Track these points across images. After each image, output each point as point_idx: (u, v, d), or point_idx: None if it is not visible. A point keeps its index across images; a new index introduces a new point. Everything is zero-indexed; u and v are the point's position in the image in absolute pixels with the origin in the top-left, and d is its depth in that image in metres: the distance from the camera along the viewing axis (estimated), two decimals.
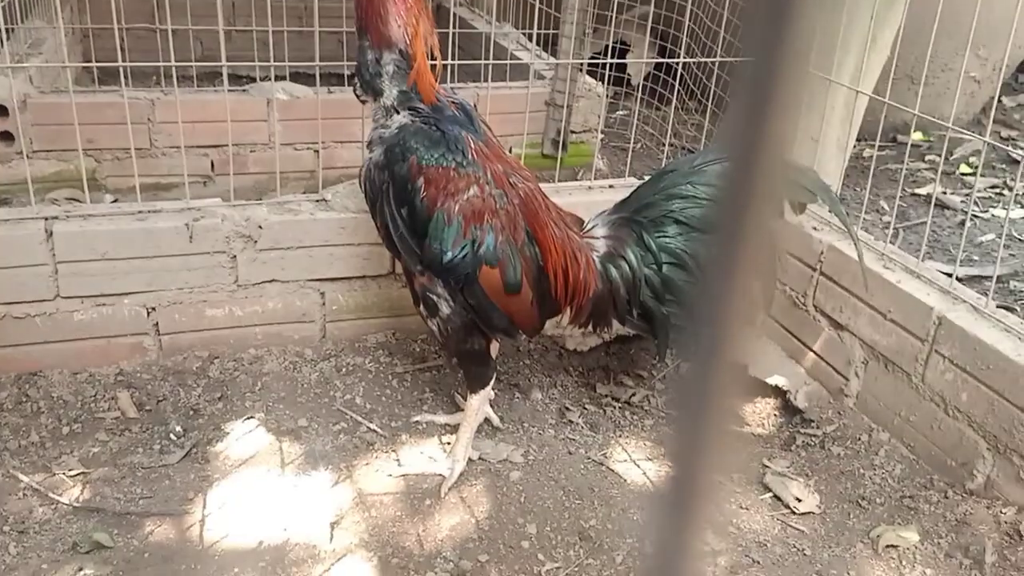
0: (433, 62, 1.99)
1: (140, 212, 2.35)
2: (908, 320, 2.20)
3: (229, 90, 3.05)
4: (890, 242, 2.43)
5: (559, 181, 2.87)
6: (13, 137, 2.99)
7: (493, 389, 2.22)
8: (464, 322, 2.04)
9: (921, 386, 2.17)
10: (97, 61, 3.61)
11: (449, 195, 1.93)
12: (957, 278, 2.26)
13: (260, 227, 2.39)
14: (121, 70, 2.49)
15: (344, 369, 2.46)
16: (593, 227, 2.21)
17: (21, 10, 3.21)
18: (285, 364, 2.45)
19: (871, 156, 3.63)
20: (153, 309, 2.37)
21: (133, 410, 2.22)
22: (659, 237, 2.14)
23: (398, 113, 1.96)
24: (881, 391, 2.29)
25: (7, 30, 2.98)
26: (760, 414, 2.44)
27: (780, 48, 0.43)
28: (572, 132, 3.58)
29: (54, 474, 2.01)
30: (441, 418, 2.30)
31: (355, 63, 1.98)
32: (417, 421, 2.29)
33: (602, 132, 3.78)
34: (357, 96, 2.01)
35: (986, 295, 2.18)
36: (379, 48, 1.92)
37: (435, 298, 2.02)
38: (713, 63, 3.27)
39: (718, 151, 2.23)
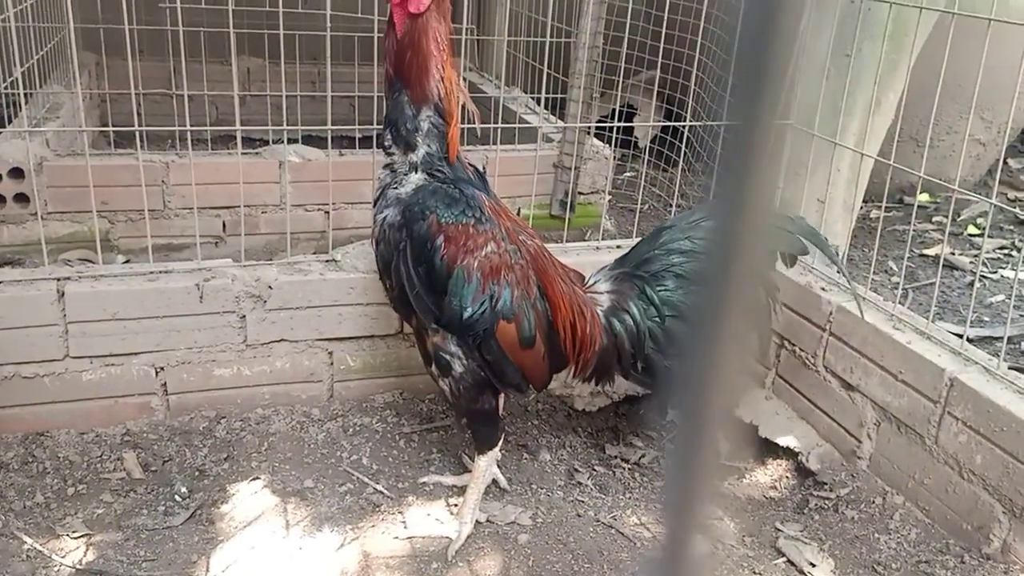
0: (471, 125, 2.02)
1: (152, 272, 2.37)
2: (920, 381, 2.18)
3: (242, 153, 3.10)
4: (899, 302, 2.43)
5: (567, 241, 2.89)
6: (28, 199, 3.03)
7: (501, 450, 2.20)
8: (476, 380, 2.04)
9: (935, 448, 2.15)
10: (114, 125, 3.68)
11: (468, 252, 1.94)
12: (968, 339, 2.25)
13: (270, 287, 2.40)
14: (137, 134, 2.54)
15: (351, 429, 2.44)
16: (595, 282, 2.23)
17: (40, 75, 3.29)
18: (292, 424, 2.44)
19: (878, 217, 3.64)
20: (162, 369, 2.37)
21: (139, 471, 2.21)
22: (661, 291, 2.16)
23: (416, 172, 1.98)
24: (894, 453, 2.26)
25: (26, 95, 3.04)
26: (772, 476, 2.41)
27: (757, 109, 0.45)
28: (580, 193, 3.62)
29: (58, 536, 1.99)
30: (448, 479, 2.28)
31: (388, 116, 1.98)
32: (424, 482, 2.26)
33: (610, 193, 3.82)
34: (385, 148, 2.01)
35: (997, 356, 2.17)
36: (418, 104, 1.94)
37: (448, 357, 2.02)
38: (719, 126, 3.31)
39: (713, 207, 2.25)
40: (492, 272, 1.96)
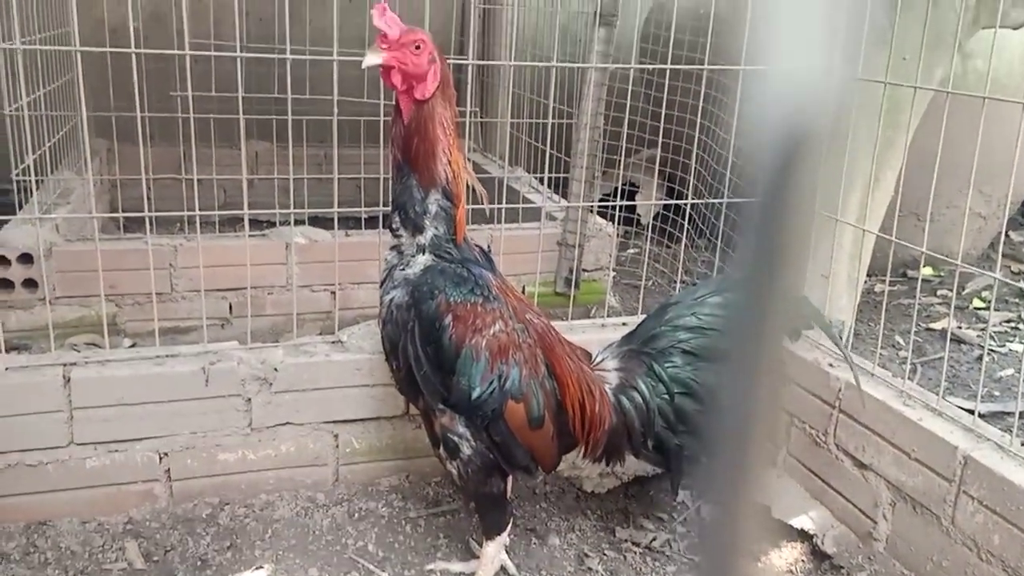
0: (479, 206, 2.05)
1: (158, 356, 2.37)
2: (933, 460, 2.15)
3: (249, 235, 3.13)
4: (908, 378, 2.41)
5: (572, 318, 2.89)
6: (37, 284, 3.05)
7: (509, 535, 2.16)
8: (485, 463, 2.01)
9: (952, 529, 2.10)
10: (124, 209, 3.73)
11: (476, 331, 1.93)
12: (979, 415, 2.22)
13: (276, 369, 2.40)
14: (146, 219, 2.57)
15: (357, 514, 2.40)
16: (602, 360, 2.22)
17: (52, 162, 3.35)
18: (297, 510, 2.40)
19: (883, 291, 3.65)
20: (165, 454, 2.35)
21: (140, 561, 2.17)
22: (668, 367, 2.15)
23: (423, 254, 1.99)
24: (911, 534, 2.21)
25: (37, 181, 3.09)
26: (787, 560, 2.35)
27: (787, 190, 0.45)
28: (584, 270, 3.64)
29: None
30: (456, 566, 2.23)
31: (396, 199, 1.99)
32: (431, 570, 2.21)
33: (614, 270, 3.84)
34: (392, 230, 2.02)
35: (1010, 432, 2.14)
36: (426, 187, 1.96)
37: (456, 439, 1.99)
38: (720, 203, 3.35)
39: (717, 283, 2.27)
40: (500, 351, 1.96)
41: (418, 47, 1.91)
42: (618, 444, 2.16)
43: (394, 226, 2.02)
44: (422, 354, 1.95)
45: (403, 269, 2.00)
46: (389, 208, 2.05)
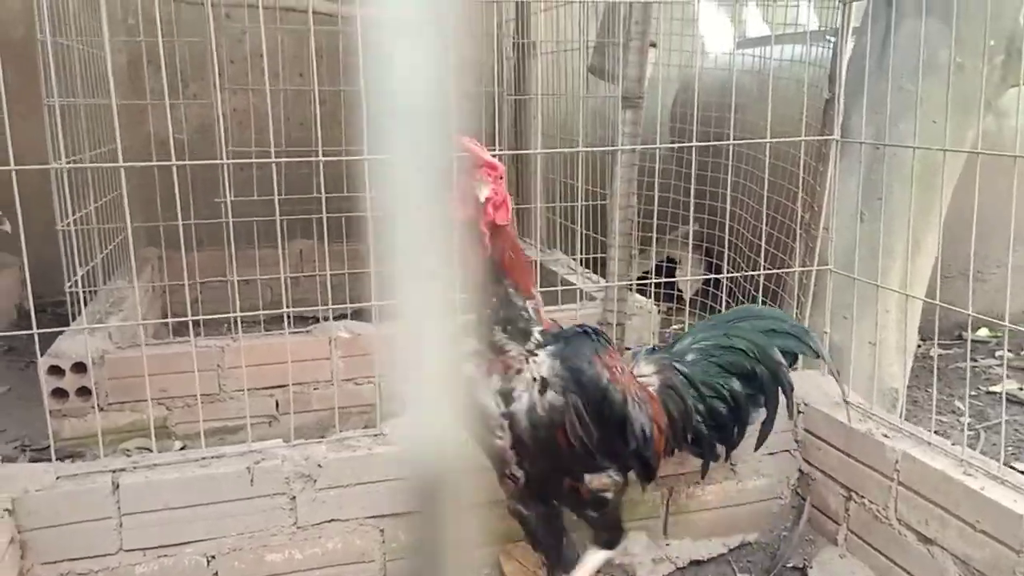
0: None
1: (203, 458, 2.39)
2: (999, 530, 2.05)
3: (293, 332, 3.18)
4: (969, 445, 2.32)
5: None
6: (90, 392, 3.12)
7: None
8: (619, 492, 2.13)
9: None
10: (174, 314, 3.83)
11: (622, 374, 2.08)
12: None
13: (319, 465, 2.40)
14: (191, 323, 2.64)
15: None
16: (636, 366, 2.30)
17: (105, 272, 3.47)
18: None
19: (939, 355, 3.55)
20: (213, 557, 2.34)
21: None
22: (700, 374, 2.29)
23: (535, 355, 1.97)
24: None
25: (92, 291, 3.20)
26: None
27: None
28: (627, 348, 3.61)
29: None
30: None
31: (496, 317, 1.96)
32: None
33: (658, 346, 3.80)
34: (498, 347, 1.96)
35: None
36: (525, 295, 2.00)
37: (606, 492, 2.08)
38: (757, 275, 3.32)
39: (745, 311, 2.50)
40: (638, 387, 2.13)
41: (501, 177, 1.97)
42: (668, 439, 2.27)
43: (498, 342, 1.96)
44: (592, 424, 1.98)
45: (527, 375, 1.95)
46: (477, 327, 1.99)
